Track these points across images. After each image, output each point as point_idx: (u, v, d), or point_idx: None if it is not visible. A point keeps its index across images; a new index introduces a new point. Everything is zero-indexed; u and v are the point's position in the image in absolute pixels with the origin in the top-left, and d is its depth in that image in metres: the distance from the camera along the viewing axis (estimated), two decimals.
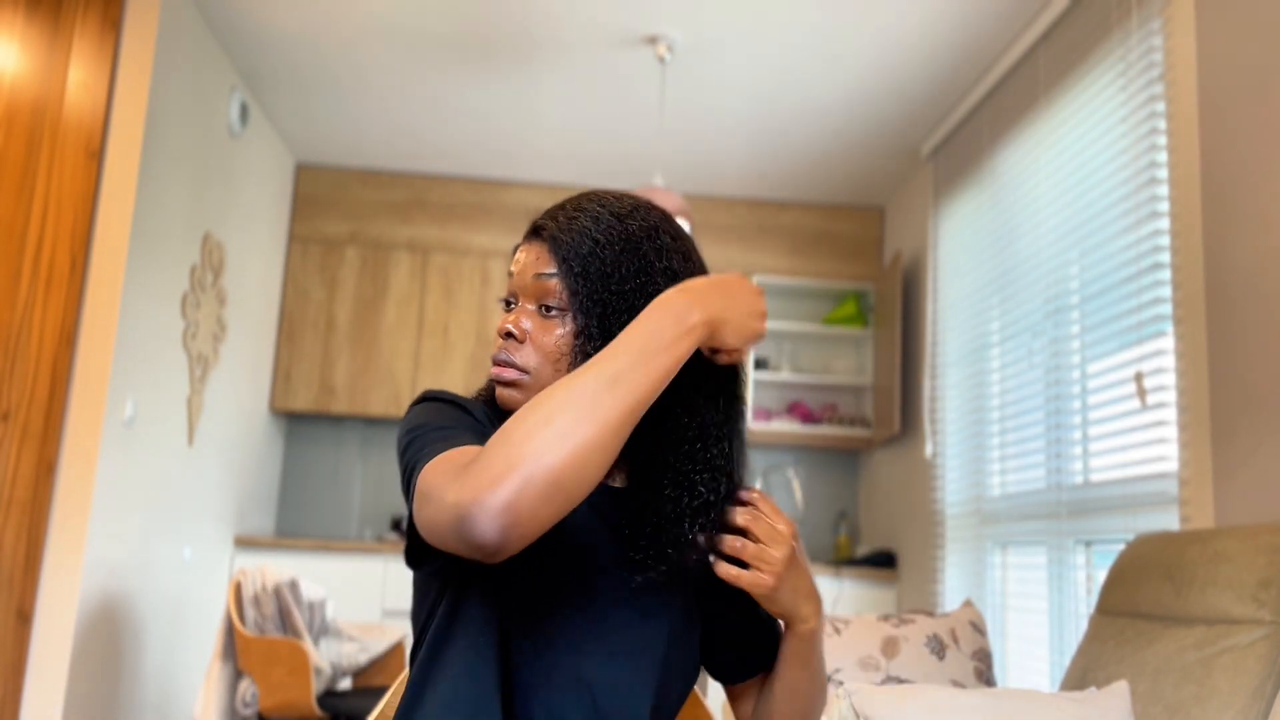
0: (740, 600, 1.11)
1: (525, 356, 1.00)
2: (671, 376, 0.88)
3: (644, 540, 1.00)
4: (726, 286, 0.95)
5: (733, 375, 1.04)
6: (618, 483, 1.06)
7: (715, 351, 0.96)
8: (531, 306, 1.01)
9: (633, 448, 1.01)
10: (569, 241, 0.99)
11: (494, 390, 1.09)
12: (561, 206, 1.04)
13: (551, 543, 1.00)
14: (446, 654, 0.98)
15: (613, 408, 0.83)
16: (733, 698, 1.15)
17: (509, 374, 1.00)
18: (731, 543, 0.98)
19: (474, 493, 0.79)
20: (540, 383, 1.00)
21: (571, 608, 0.99)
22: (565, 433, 0.81)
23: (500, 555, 0.80)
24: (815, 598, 1.04)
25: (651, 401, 0.87)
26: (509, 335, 1.00)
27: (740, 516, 0.99)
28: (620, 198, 1.05)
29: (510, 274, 1.04)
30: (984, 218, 3.62)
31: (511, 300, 1.04)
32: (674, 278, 1.01)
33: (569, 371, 0.98)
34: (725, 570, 0.98)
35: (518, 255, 1.04)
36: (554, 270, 0.99)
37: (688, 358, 0.90)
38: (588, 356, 0.98)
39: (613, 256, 0.99)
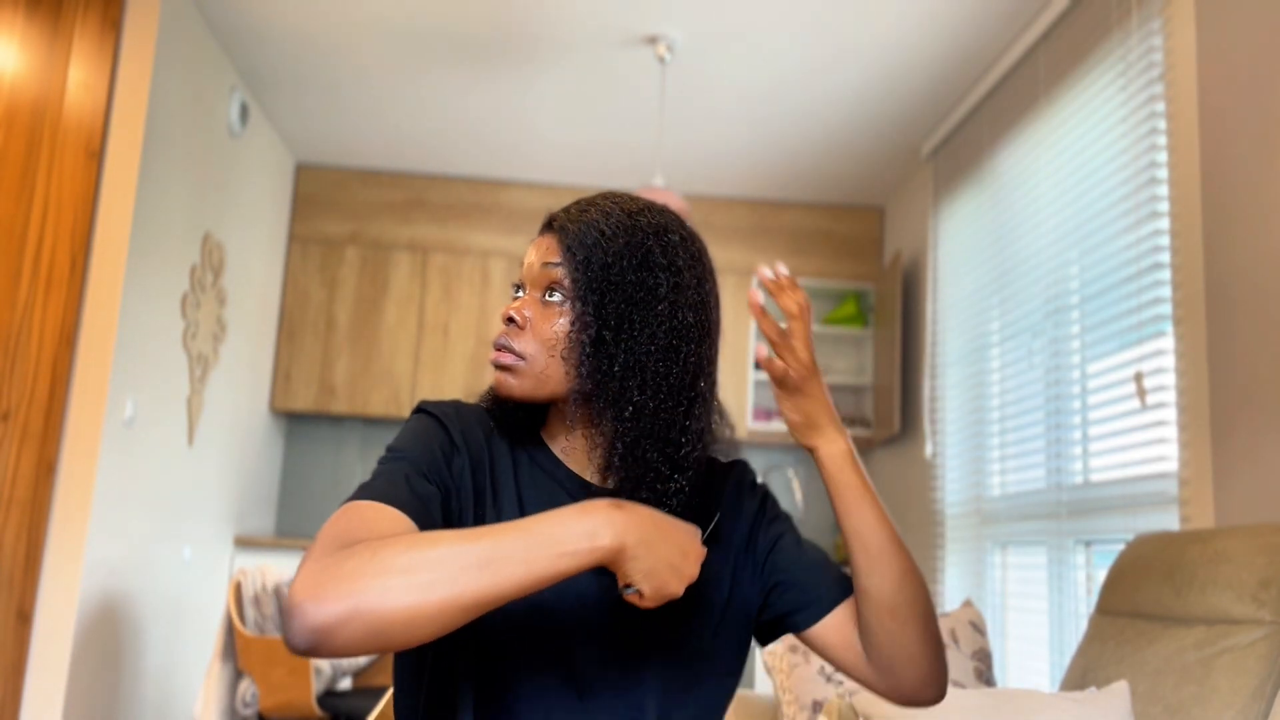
0: (784, 555, 1.09)
1: (524, 343, 1.01)
2: (555, 580, 0.83)
3: None
4: (664, 531, 0.88)
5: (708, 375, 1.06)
6: (610, 484, 1.06)
7: (626, 586, 0.88)
8: (536, 295, 1.03)
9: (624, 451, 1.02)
10: (575, 231, 1.01)
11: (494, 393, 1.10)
12: (576, 203, 1.06)
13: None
14: (423, 688, 1.01)
15: (472, 590, 0.80)
16: (827, 641, 1.07)
17: (505, 358, 1.01)
18: (771, 329, 1.01)
19: (306, 595, 0.78)
20: (536, 370, 1.00)
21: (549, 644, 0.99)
22: (414, 590, 0.79)
23: (300, 654, 0.80)
24: (841, 425, 1.04)
25: (519, 597, 0.83)
26: (510, 321, 1.02)
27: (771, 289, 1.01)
28: (635, 199, 1.06)
29: (523, 262, 1.06)
30: (984, 218, 3.62)
31: (519, 287, 1.06)
32: (678, 274, 1.01)
33: (565, 362, 0.99)
34: (763, 357, 1.00)
35: (532, 244, 1.06)
36: (558, 259, 1.01)
37: (577, 574, 0.84)
38: (583, 346, 0.98)
39: (616, 249, 1.00)
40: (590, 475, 1.06)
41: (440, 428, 1.01)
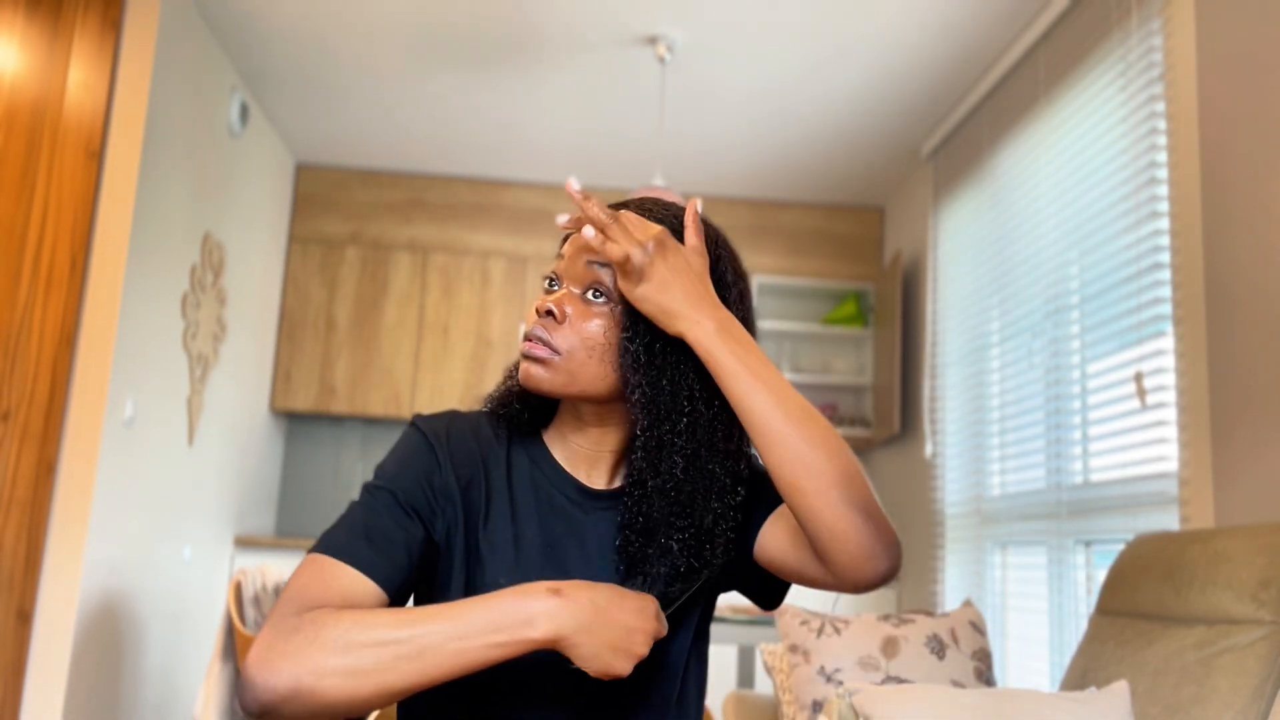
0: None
1: (562, 338, 0.99)
2: (489, 665, 0.85)
3: (632, 545, 1.00)
4: (606, 615, 0.87)
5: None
6: (599, 484, 1.06)
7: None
8: (577, 291, 1.01)
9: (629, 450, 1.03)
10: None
11: (507, 389, 1.09)
12: (625, 203, 1.04)
13: (528, 559, 1.01)
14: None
15: (404, 679, 0.83)
16: (775, 548, 1.03)
17: (540, 350, 0.99)
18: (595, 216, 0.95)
19: (257, 666, 0.82)
20: (571, 366, 0.98)
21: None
22: (348, 678, 0.82)
23: (251, 715, 0.84)
24: (705, 301, 0.95)
25: (454, 678, 0.85)
26: (549, 314, 0.99)
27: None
28: (676, 205, 1.06)
29: (561, 255, 1.03)
30: (984, 218, 3.62)
31: (554, 280, 1.03)
32: (727, 289, 1.01)
33: (603, 364, 0.98)
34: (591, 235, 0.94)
35: (572, 239, 1.03)
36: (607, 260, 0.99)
37: (516, 657, 0.86)
38: (636, 355, 0.97)
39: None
40: (593, 479, 1.06)
41: (427, 449, 1.01)
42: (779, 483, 0.92)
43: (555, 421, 1.09)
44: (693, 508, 0.97)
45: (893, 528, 0.95)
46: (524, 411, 1.07)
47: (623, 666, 0.87)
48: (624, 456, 1.06)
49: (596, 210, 0.95)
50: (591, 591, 0.88)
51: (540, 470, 1.06)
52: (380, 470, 1.00)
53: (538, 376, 0.99)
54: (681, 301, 0.94)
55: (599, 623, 0.87)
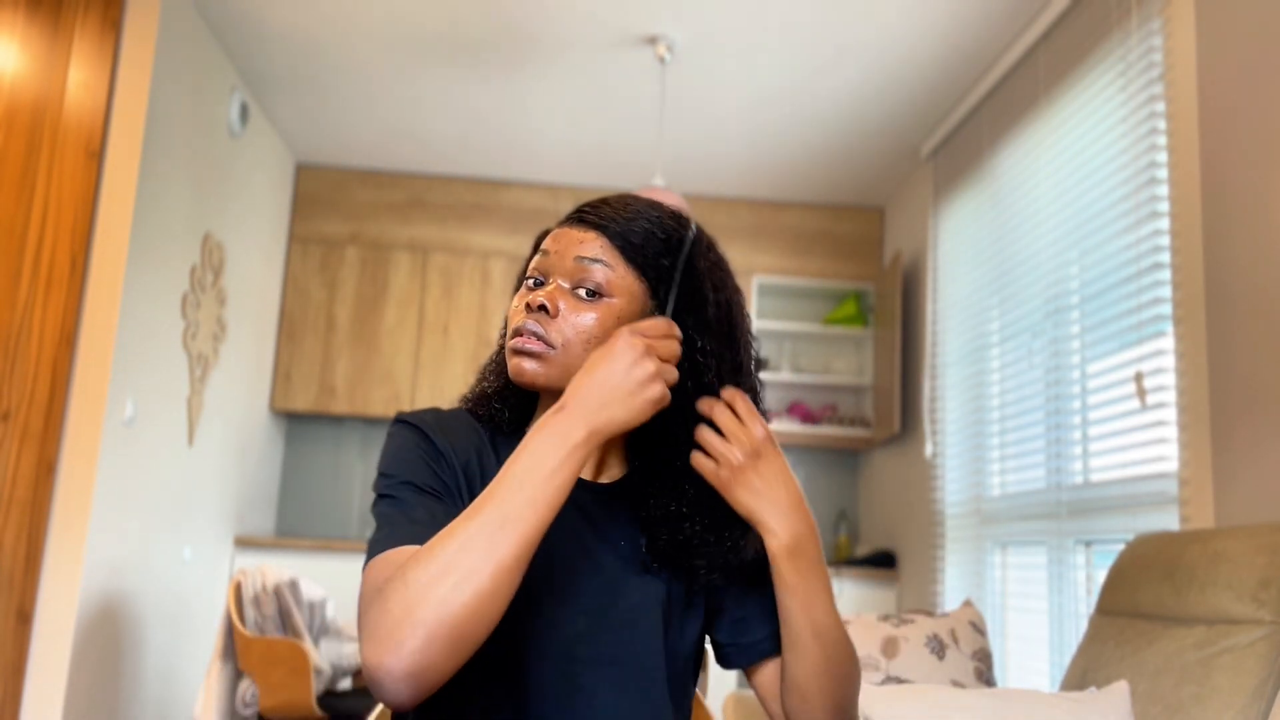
0: (743, 580, 1.09)
1: (556, 332, 1.00)
2: (564, 498, 0.89)
3: (650, 536, 1.02)
4: (598, 376, 0.93)
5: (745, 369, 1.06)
6: (604, 478, 1.07)
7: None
8: (566, 286, 1.02)
9: (637, 442, 1.04)
10: (624, 232, 1.02)
11: (483, 390, 1.10)
12: (605, 201, 1.06)
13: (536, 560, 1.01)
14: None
15: (507, 550, 0.84)
16: (758, 687, 1.11)
17: (534, 345, 1.00)
18: (701, 434, 1.00)
19: (380, 656, 0.81)
20: (566, 360, 1.00)
21: (560, 610, 1.00)
22: (462, 582, 0.82)
23: (414, 707, 0.83)
24: (790, 514, 1.00)
25: (546, 529, 0.87)
26: (541, 308, 1.00)
27: (707, 405, 1.00)
28: (657, 202, 1.08)
29: (545, 252, 1.04)
30: (984, 218, 3.62)
31: (539, 279, 1.04)
32: (722, 285, 1.05)
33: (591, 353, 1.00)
34: (695, 458, 0.99)
35: (555, 236, 1.04)
36: (598, 257, 1.01)
37: (580, 472, 0.91)
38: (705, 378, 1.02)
39: (669, 254, 1.03)
40: (587, 470, 1.06)
41: (423, 438, 1.02)
42: (790, 680, 1.02)
43: (535, 418, 1.09)
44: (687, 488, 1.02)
45: None
46: (504, 410, 1.08)
47: (651, 390, 0.93)
48: (609, 451, 1.08)
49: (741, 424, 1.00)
50: (581, 379, 0.93)
51: None
52: (386, 469, 1.00)
53: (531, 371, 1.00)
54: (771, 513, 0.99)
55: (606, 391, 0.92)
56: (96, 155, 3.08)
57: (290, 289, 4.76)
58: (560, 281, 1.02)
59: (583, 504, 1.04)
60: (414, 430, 1.02)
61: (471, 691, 0.98)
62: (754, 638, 1.08)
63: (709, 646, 1.14)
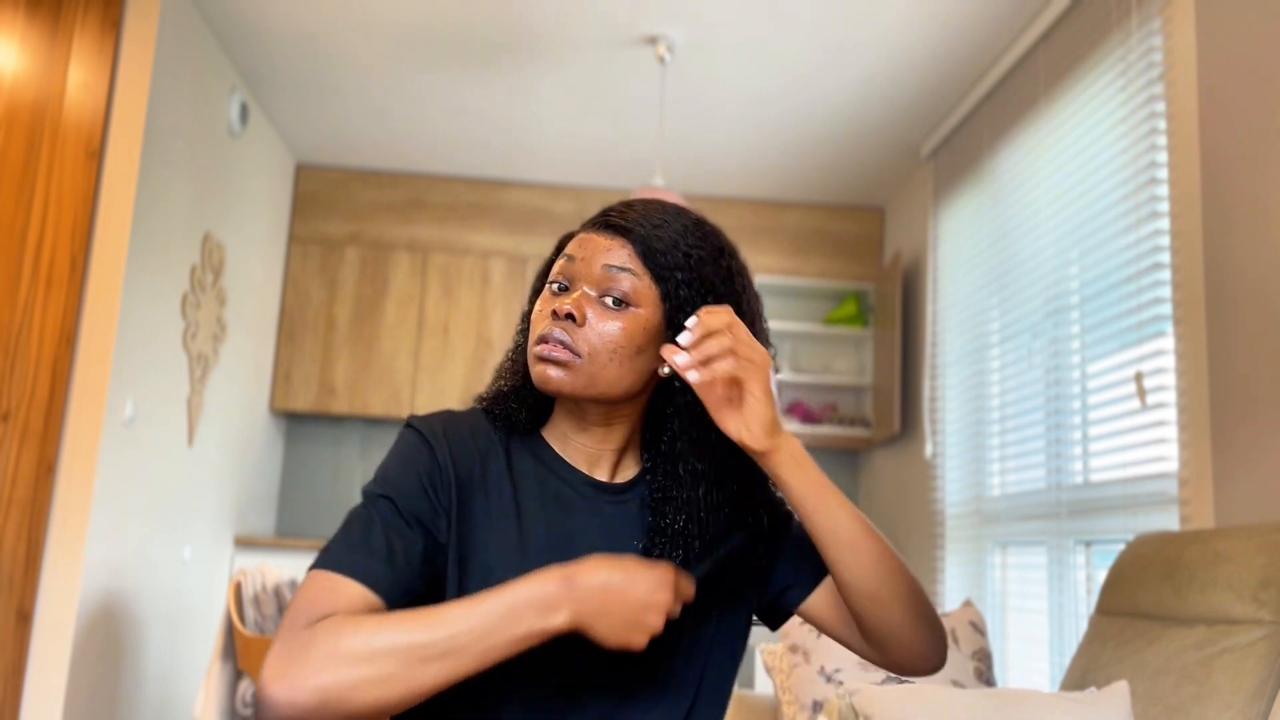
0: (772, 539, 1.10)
1: (583, 340, 0.99)
2: (518, 650, 0.87)
3: (663, 537, 1.02)
4: (619, 594, 0.89)
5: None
6: (619, 478, 1.07)
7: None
8: (592, 293, 1.01)
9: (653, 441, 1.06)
10: (654, 241, 1.01)
11: (499, 389, 1.09)
12: (630, 206, 1.05)
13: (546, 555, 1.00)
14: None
15: (432, 679, 0.85)
16: (821, 620, 1.10)
17: (561, 353, 0.99)
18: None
19: (276, 682, 0.82)
20: (592, 369, 0.99)
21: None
22: (378, 685, 0.83)
23: None
24: (775, 427, 0.97)
25: (485, 667, 0.87)
26: (569, 317, 0.99)
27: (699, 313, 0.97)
28: (684, 209, 1.08)
29: (570, 258, 1.03)
30: (984, 218, 3.62)
31: (563, 284, 1.03)
32: (744, 291, 1.06)
33: (621, 365, 0.99)
34: (666, 350, 0.96)
35: (581, 241, 1.03)
36: (627, 266, 1.00)
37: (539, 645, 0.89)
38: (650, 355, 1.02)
39: (704, 267, 1.02)
40: (596, 475, 1.06)
41: (426, 449, 1.01)
42: (852, 591, 1.00)
43: (553, 420, 1.09)
44: (722, 488, 1.02)
45: (944, 630, 1.05)
46: (521, 410, 1.07)
47: (638, 640, 0.90)
48: (624, 453, 1.07)
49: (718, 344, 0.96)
50: (605, 572, 0.89)
51: (546, 466, 1.06)
52: (380, 474, 1.00)
53: (557, 379, 0.99)
54: (757, 426, 0.96)
55: (613, 603, 0.89)
56: (96, 155, 3.08)
57: (290, 289, 4.76)
58: (586, 289, 1.01)
59: (594, 504, 1.04)
60: (419, 439, 1.01)
61: (478, 709, 0.98)
62: (804, 569, 1.09)
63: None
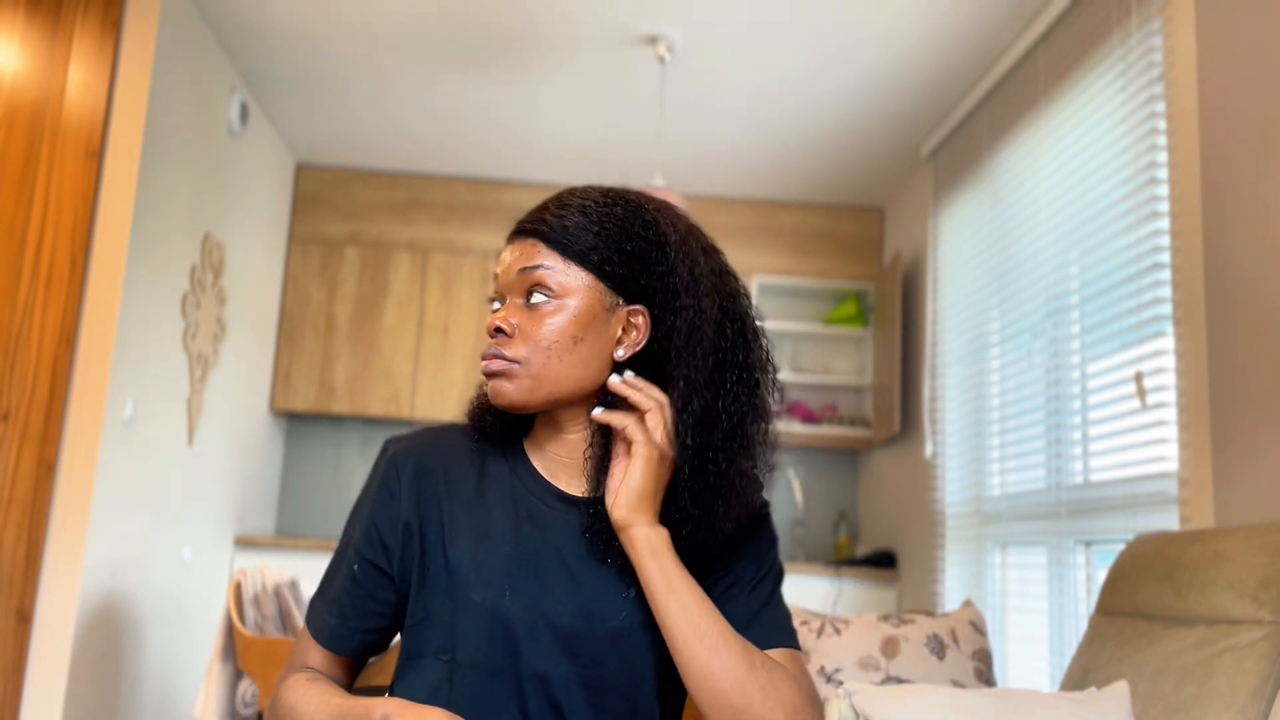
0: (752, 583, 1.10)
1: (515, 348, 1.01)
2: None
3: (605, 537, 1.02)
4: None
5: (745, 364, 1.05)
6: (577, 492, 1.06)
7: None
8: (519, 301, 1.03)
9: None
10: (556, 227, 1.01)
11: (477, 405, 1.12)
12: (541, 207, 1.05)
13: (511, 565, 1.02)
14: (404, 678, 1.06)
15: None
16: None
17: (497, 364, 1.01)
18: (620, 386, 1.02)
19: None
20: (532, 370, 1.00)
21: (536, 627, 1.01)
22: None
23: None
24: (638, 506, 0.99)
25: None
26: (499, 331, 1.02)
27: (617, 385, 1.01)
28: (594, 187, 1.07)
29: (496, 275, 1.06)
30: (984, 218, 3.62)
31: (498, 299, 1.06)
32: (671, 244, 1.04)
33: (562, 359, 1.00)
34: (605, 416, 1.01)
35: (503, 256, 1.06)
36: (537, 262, 1.01)
37: None
38: (573, 334, 1.02)
39: (608, 230, 1.02)
40: (572, 487, 1.06)
41: (385, 491, 1.06)
42: (696, 686, 0.95)
43: (532, 433, 1.10)
44: (703, 490, 1.01)
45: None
46: (495, 423, 1.09)
47: None
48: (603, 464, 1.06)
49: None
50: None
51: (520, 480, 1.06)
52: (354, 511, 1.09)
53: (506, 391, 1.01)
54: (637, 501, 0.99)
55: None
56: (96, 155, 3.08)
57: (290, 289, 4.76)
58: (514, 299, 1.03)
59: (569, 522, 1.04)
60: (384, 478, 1.07)
61: (439, 698, 1.01)
62: (762, 625, 1.05)
63: None
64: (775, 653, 1.02)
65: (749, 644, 0.97)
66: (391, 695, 1.02)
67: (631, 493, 0.98)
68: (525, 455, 1.08)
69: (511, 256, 1.04)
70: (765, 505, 1.11)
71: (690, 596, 0.97)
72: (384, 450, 1.08)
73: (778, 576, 1.10)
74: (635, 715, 1.01)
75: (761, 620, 1.04)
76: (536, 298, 1.01)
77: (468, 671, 0.99)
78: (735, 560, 1.07)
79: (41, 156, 3.04)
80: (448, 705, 0.99)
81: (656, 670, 1.03)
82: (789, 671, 0.98)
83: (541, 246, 1.01)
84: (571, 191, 1.05)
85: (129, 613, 3.30)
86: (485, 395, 1.10)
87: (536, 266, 1.01)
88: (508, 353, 1.01)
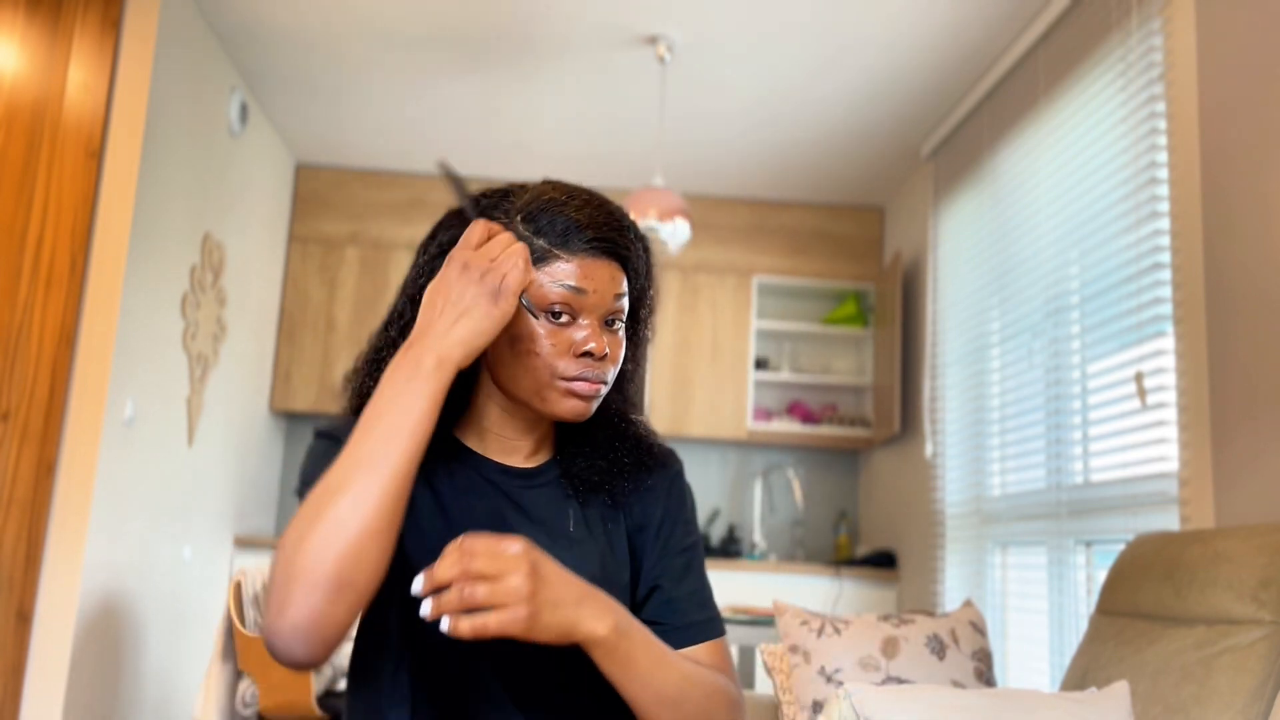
0: (681, 557, 1.12)
1: (606, 372, 1.05)
2: (425, 433, 0.88)
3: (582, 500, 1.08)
4: (435, 305, 0.92)
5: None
6: (531, 462, 1.10)
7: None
8: (597, 323, 1.03)
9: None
10: (634, 260, 1.07)
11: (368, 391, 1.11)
12: (622, 228, 1.05)
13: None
14: (363, 667, 1.03)
15: (373, 492, 0.84)
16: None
17: (599, 389, 1.04)
18: (452, 597, 0.83)
19: (270, 621, 0.82)
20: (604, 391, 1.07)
21: None
22: (333, 530, 0.82)
23: (316, 664, 0.84)
24: (593, 600, 0.90)
25: (412, 466, 0.87)
26: (592, 354, 1.02)
27: (447, 569, 0.83)
28: (620, 207, 1.12)
29: (579, 290, 1.00)
30: (984, 218, 3.62)
31: (569, 314, 1.01)
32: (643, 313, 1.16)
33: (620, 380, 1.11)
34: (467, 626, 0.83)
35: (588, 272, 1.00)
36: (623, 290, 1.05)
37: (442, 395, 0.90)
38: (632, 367, 1.12)
39: (651, 269, 1.13)
40: (516, 459, 1.09)
41: (339, 449, 1.01)
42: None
43: (468, 421, 1.09)
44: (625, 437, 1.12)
45: None
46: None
47: (503, 305, 0.93)
48: (543, 440, 1.11)
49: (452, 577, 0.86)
50: (423, 312, 0.93)
51: (460, 461, 1.07)
52: (304, 481, 1.00)
53: (588, 411, 1.05)
54: (577, 611, 0.88)
55: (448, 312, 0.92)
56: (96, 155, 3.08)
57: (290, 289, 4.76)
58: (592, 319, 1.02)
59: (507, 489, 1.06)
60: (333, 443, 1.01)
61: (401, 684, 1.00)
62: (686, 620, 1.07)
63: None
64: (700, 649, 1.05)
65: (690, 675, 0.96)
66: (352, 673, 1.04)
67: (552, 633, 0.88)
68: (458, 441, 1.09)
69: (603, 279, 1.01)
70: (679, 464, 1.17)
71: (647, 660, 0.94)
72: (319, 436, 1.03)
73: (696, 542, 1.13)
74: (584, 667, 1.00)
75: (679, 602, 1.07)
76: (615, 325, 1.05)
77: (437, 647, 1.00)
78: (647, 506, 1.12)
79: (41, 156, 3.04)
80: (419, 669, 1.00)
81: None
82: (717, 683, 1.00)
83: (621, 275, 1.04)
84: (621, 209, 1.07)
85: (129, 613, 3.30)
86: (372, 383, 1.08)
87: (622, 295, 1.04)
88: (606, 376, 1.04)
